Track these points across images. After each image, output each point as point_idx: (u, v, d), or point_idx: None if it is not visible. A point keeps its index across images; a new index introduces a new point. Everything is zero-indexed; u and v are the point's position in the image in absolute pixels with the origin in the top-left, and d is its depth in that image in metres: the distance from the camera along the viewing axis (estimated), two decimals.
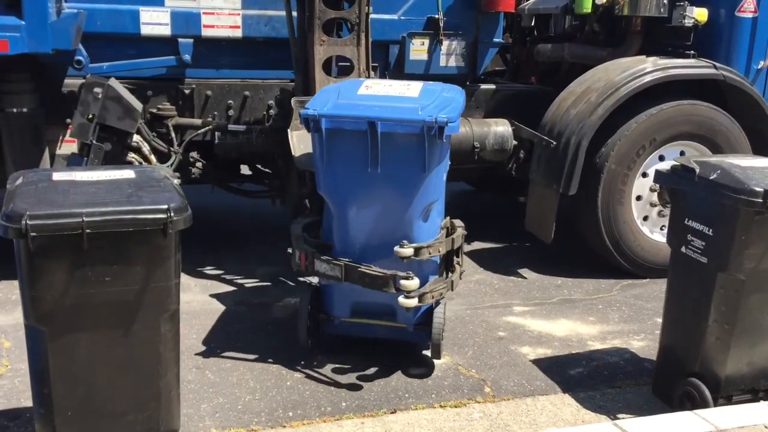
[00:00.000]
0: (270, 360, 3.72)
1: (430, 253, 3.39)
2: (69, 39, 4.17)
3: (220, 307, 4.33)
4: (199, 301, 4.41)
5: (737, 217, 3.02)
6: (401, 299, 3.27)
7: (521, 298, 4.67)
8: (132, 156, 4.60)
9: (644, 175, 4.97)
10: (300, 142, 4.01)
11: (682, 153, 4.95)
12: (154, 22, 4.73)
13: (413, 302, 3.28)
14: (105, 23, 4.61)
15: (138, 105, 4.52)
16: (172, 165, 4.72)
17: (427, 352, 3.68)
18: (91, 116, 4.34)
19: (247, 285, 4.69)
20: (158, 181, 2.52)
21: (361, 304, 3.55)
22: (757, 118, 5.13)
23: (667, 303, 3.48)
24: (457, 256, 3.73)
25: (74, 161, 4.49)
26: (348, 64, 4.55)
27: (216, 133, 4.88)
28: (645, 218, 5.08)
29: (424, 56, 5.19)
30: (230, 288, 4.62)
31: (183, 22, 4.77)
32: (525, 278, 5.01)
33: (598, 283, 4.98)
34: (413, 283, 3.27)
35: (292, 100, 4.17)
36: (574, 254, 5.41)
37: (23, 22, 3.97)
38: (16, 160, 4.29)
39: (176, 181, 2.60)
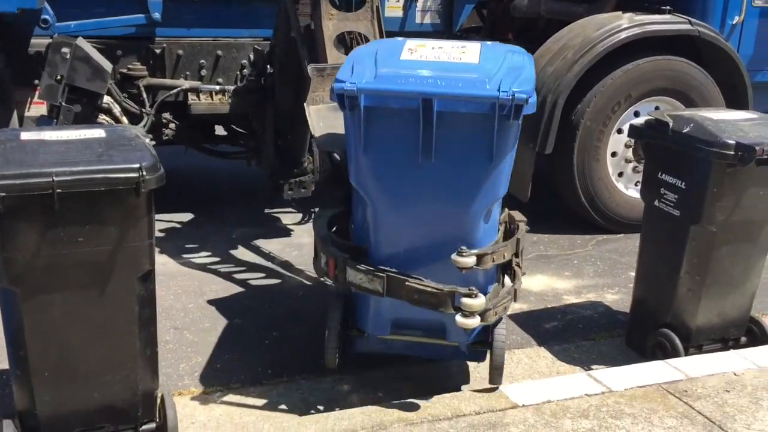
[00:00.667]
0: (248, 320, 3.73)
1: (494, 260, 2.77)
2: None
3: (197, 269, 4.32)
4: (175, 262, 4.39)
5: (710, 170, 3.06)
6: (459, 318, 2.64)
7: None
8: (103, 117, 4.52)
9: (619, 131, 4.99)
10: (319, 118, 3.63)
11: (656, 108, 4.97)
12: None
13: (474, 322, 2.66)
14: None
15: (108, 65, 4.42)
16: (144, 126, 4.65)
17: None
18: (59, 77, 4.24)
19: (223, 246, 4.67)
20: (130, 140, 2.47)
21: (403, 319, 2.90)
22: (731, 73, 5.16)
23: (641, 256, 3.53)
24: (517, 257, 3.02)
25: (43, 123, 4.40)
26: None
27: (189, 93, 4.81)
28: (620, 174, 5.12)
29: (400, 13, 5.09)
30: (207, 249, 4.61)
31: None
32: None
33: (574, 239, 5.03)
34: (478, 302, 2.64)
35: (309, 68, 3.65)
36: (551, 212, 5.44)
37: None
38: None
39: (148, 140, 2.56)
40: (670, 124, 3.20)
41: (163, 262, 4.34)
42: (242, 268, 4.35)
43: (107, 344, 2.47)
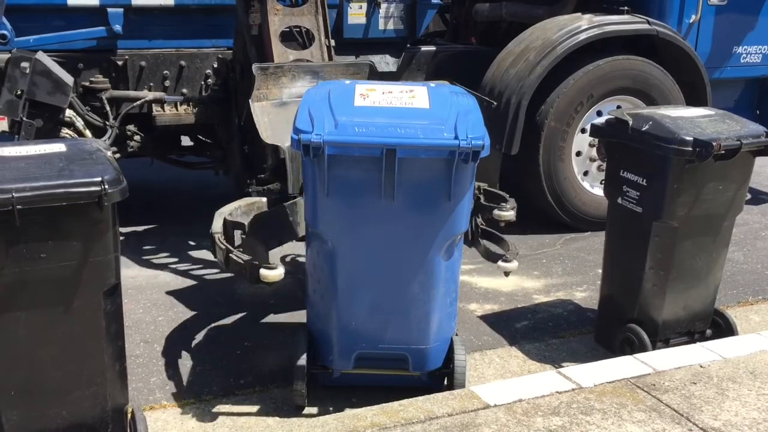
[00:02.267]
0: (219, 330, 3.71)
1: None
2: None
3: (166, 281, 4.29)
4: (144, 275, 4.35)
5: (669, 166, 3.12)
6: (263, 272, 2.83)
7: (468, 257, 4.70)
8: (65, 131, 4.47)
9: (583, 131, 5.06)
10: (264, 114, 3.78)
11: (618, 107, 5.05)
12: None
13: (277, 274, 2.84)
14: None
15: (69, 79, 4.37)
16: (108, 139, 4.60)
17: None
18: (19, 92, 4.18)
19: (192, 257, 4.64)
20: (91, 154, 2.45)
21: (366, 353, 2.98)
22: (690, 71, 5.27)
23: (606, 254, 3.59)
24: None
25: (4, 140, 4.33)
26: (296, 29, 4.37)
27: (153, 104, 4.77)
28: (585, 173, 5.20)
29: (363, 20, 5.11)
30: (176, 261, 4.57)
31: None
32: None
33: (542, 238, 5.09)
34: (273, 273, 2.85)
35: (254, 67, 3.71)
36: (518, 212, 5.48)
37: None
38: None
39: (110, 153, 2.54)
40: (630, 123, 3.25)
41: (132, 275, 4.30)
42: (212, 279, 4.32)
43: (75, 360, 2.44)
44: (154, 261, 4.57)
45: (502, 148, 4.88)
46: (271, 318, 3.85)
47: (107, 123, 4.65)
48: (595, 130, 3.52)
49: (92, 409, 2.49)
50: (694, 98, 5.27)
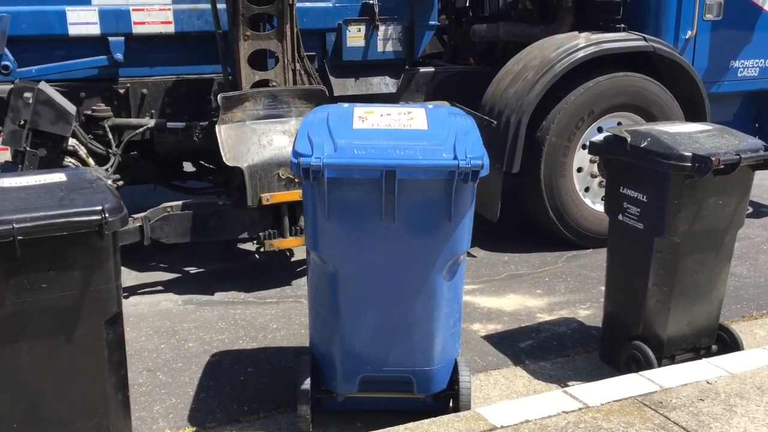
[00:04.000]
0: (221, 356, 3.69)
1: None
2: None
3: (168, 308, 4.27)
4: (146, 302, 4.34)
5: (669, 182, 3.12)
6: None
7: (470, 277, 4.73)
8: (69, 160, 4.48)
9: (584, 147, 5.07)
10: (228, 137, 4.08)
11: (619, 124, 5.07)
12: (82, 22, 4.59)
13: None
14: (31, 25, 4.46)
15: (71, 108, 4.39)
16: (111, 167, 4.62)
17: None
18: (22, 122, 4.20)
19: (194, 283, 4.63)
20: (91, 183, 2.46)
21: (370, 376, 2.95)
22: (688, 86, 5.29)
23: (609, 271, 3.57)
24: None
25: (7, 170, 4.34)
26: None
27: (156, 131, 4.79)
28: (587, 189, 5.20)
29: (362, 42, 5.16)
30: (178, 288, 4.56)
31: (112, 20, 4.65)
32: (474, 257, 5.07)
33: (544, 256, 5.07)
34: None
35: (219, 98, 4.13)
36: (519, 231, 5.50)
37: None
38: None
39: (110, 182, 2.54)
40: (628, 140, 3.26)
41: (133, 303, 4.29)
42: (215, 305, 4.31)
43: (77, 391, 2.43)
44: (156, 287, 4.56)
45: (503, 166, 4.88)
46: (274, 342, 3.83)
47: (110, 151, 4.67)
48: (594, 148, 3.53)
49: None
50: (693, 113, 5.29)
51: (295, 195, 4.24)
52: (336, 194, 2.67)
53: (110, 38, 4.65)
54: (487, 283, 4.63)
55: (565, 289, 4.52)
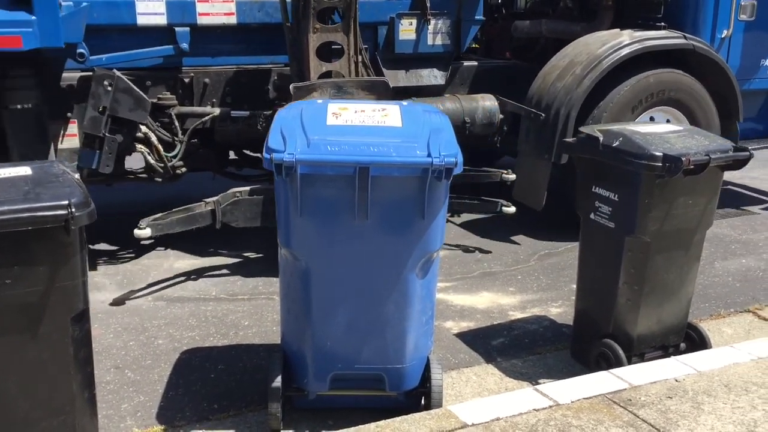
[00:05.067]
0: (191, 354, 3.65)
1: None
2: (80, 32, 4.18)
3: (137, 304, 4.21)
4: (115, 299, 4.27)
5: (640, 182, 3.15)
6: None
7: (443, 275, 4.73)
8: (140, 147, 4.63)
9: None
10: None
11: (668, 122, 5.27)
12: (150, 12, 4.73)
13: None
14: (102, 15, 4.56)
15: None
16: (177, 154, 4.74)
17: None
18: (102, 108, 4.30)
19: (163, 280, 4.57)
20: (57, 177, 2.40)
21: (341, 374, 2.93)
22: (722, 84, 5.58)
23: (580, 269, 3.60)
24: None
25: (86, 156, 4.39)
26: (340, 46, 4.66)
27: (219, 120, 4.87)
28: None
29: (413, 36, 5.30)
30: (147, 284, 4.50)
31: (178, 10, 4.76)
32: (447, 254, 5.08)
33: (517, 254, 5.10)
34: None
35: (291, 87, 4.22)
36: (493, 229, 5.53)
37: (34, 17, 3.91)
38: (23, 156, 4.18)
39: (77, 176, 2.49)
40: (601, 139, 3.28)
41: (102, 299, 4.23)
42: (185, 302, 4.26)
43: (42, 389, 2.38)
44: (125, 284, 4.50)
45: (551, 157, 5.05)
46: (245, 340, 3.79)
47: (176, 138, 4.76)
48: (566, 147, 3.55)
49: None
50: (725, 109, 5.55)
51: None
52: (309, 191, 2.65)
53: (176, 28, 4.77)
54: (460, 281, 4.64)
55: (537, 287, 4.55)
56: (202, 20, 4.84)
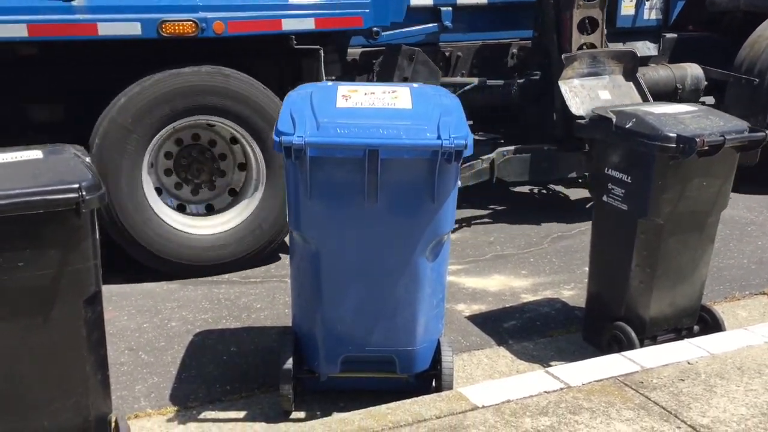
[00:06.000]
0: (204, 336, 3.68)
1: None
2: (401, 13, 4.80)
3: (151, 287, 4.24)
4: (130, 281, 4.30)
5: (653, 163, 3.11)
6: None
7: (456, 257, 4.72)
8: None
9: None
10: (566, 92, 4.94)
11: None
12: None
13: None
14: None
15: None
16: None
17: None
18: (404, 78, 4.99)
19: None
20: (67, 160, 2.42)
21: (353, 356, 2.94)
22: None
23: (592, 252, 3.57)
24: None
25: None
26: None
27: (476, 89, 5.35)
28: None
29: (632, 11, 5.84)
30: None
31: None
32: (459, 237, 5.07)
33: (530, 237, 5.08)
34: None
35: (563, 57, 5.00)
36: (506, 212, 5.51)
37: (369, 0, 4.41)
38: None
39: (87, 159, 2.50)
40: (614, 120, 3.24)
41: (116, 281, 4.26)
42: (198, 284, 4.28)
43: (55, 370, 2.41)
44: (140, 266, 4.52)
45: (765, 120, 5.47)
46: (257, 322, 3.82)
47: None
48: (579, 128, 3.52)
49: (74, 419, 2.46)
50: None
51: None
52: (318, 174, 2.65)
53: (441, 8, 5.29)
54: (472, 264, 4.63)
55: (549, 270, 4.53)
56: (461, 0, 5.42)
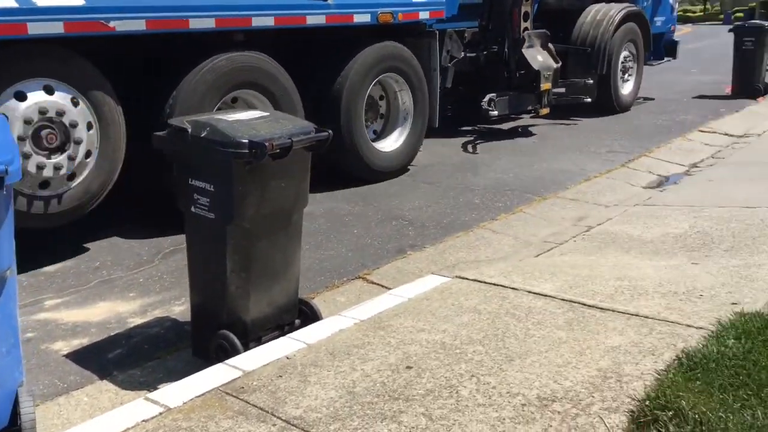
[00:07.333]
0: None
1: None
2: (455, 9, 7.95)
3: None
4: None
5: (231, 170, 3.15)
6: None
7: (54, 291, 4.30)
8: None
9: None
10: (532, 58, 8.36)
11: None
12: None
13: None
14: None
15: None
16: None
17: None
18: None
19: None
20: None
21: None
22: (645, 30, 10.44)
23: (190, 263, 3.51)
24: None
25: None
26: None
27: None
28: None
29: None
30: None
31: None
32: (58, 268, 4.62)
33: (140, 256, 4.85)
34: None
35: (525, 34, 8.47)
36: (113, 231, 5.19)
37: None
38: None
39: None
40: (189, 131, 3.21)
41: None
42: None
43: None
44: None
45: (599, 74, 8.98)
46: None
47: None
48: (158, 141, 3.40)
49: None
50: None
51: (547, 86, 8.47)
52: None
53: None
54: (74, 295, 4.25)
55: (160, 288, 4.37)
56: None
